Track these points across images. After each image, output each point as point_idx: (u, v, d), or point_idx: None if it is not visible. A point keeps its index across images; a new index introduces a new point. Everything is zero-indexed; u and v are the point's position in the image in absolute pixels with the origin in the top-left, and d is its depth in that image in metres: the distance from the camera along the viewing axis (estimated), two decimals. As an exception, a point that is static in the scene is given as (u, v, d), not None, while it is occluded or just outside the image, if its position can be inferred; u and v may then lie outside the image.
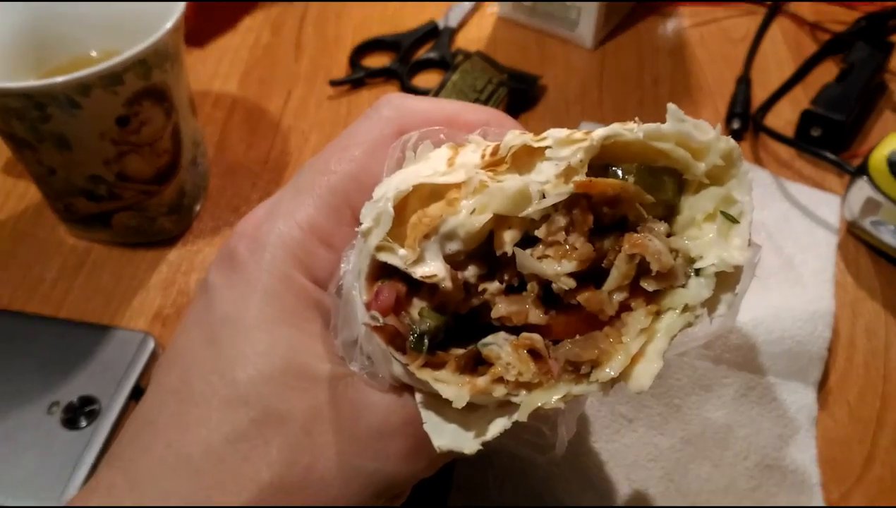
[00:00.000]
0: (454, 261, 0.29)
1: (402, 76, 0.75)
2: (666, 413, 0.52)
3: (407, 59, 0.78)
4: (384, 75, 0.76)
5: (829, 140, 0.67)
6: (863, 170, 0.59)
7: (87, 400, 0.51)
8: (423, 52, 0.78)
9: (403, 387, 0.32)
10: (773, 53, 0.80)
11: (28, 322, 0.56)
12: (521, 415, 0.28)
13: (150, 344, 0.54)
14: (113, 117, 0.51)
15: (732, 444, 0.51)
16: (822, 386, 0.54)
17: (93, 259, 0.62)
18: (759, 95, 0.74)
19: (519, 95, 0.73)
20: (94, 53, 0.60)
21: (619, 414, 0.52)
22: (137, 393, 0.52)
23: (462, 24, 0.83)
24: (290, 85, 0.76)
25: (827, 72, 0.77)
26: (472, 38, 0.81)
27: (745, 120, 0.71)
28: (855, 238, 0.62)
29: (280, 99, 0.75)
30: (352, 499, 0.32)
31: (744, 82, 0.74)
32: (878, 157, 0.59)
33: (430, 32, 0.80)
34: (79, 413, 0.51)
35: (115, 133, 0.52)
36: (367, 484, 0.33)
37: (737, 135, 0.70)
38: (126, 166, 0.55)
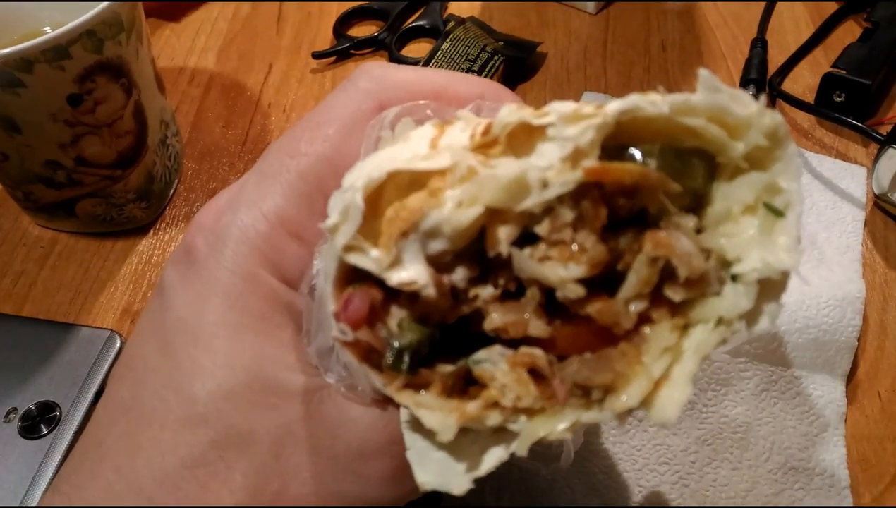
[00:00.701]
0: (439, 263, 0.24)
1: (390, 46, 0.70)
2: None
3: (395, 27, 0.72)
4: (371, 46, 0.71)
5: (854, 106, 0.62)
6: (893, 139, 0.55)
7: (47, 406, 0.47)
8: (413, 20, 0.73)
9: (387, 400, 0.28)
10: (789, 13, 0.74)
11: (-15, 321, 0.52)
12: (520, 449, 0.23)
13: (117, 343, 0.50)
14: (63, 96, 0.46)
15: (753, 444, 0.47)
16: (851, 377, 0.49)
17: (58, 250, 0.57)
18: (776, 59, 0.68)
19: (516, 64, 0.67)
20: (48, 28, 0.55)
21: (653, 423, 0.47)
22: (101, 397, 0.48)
23: (454, -11, 0.77)
24: (271, 58, 0.71)
25: (849, 32, 0.71)
26: (465, 3, 0.76)
27: (760, 86, 0.66)
28: (884, 213, 0.58)
29: (260, 73, 0.70)
30: None
31: (759, 45, 0.69)
32: (910, 125, 0.54)
33: (420, -2, 0.75)
34: (38, 420, 0.47)
35: (67, 113, 0.47)
36: None
37: (752, 103, 0.65)
38: (84, 149, 0.50)
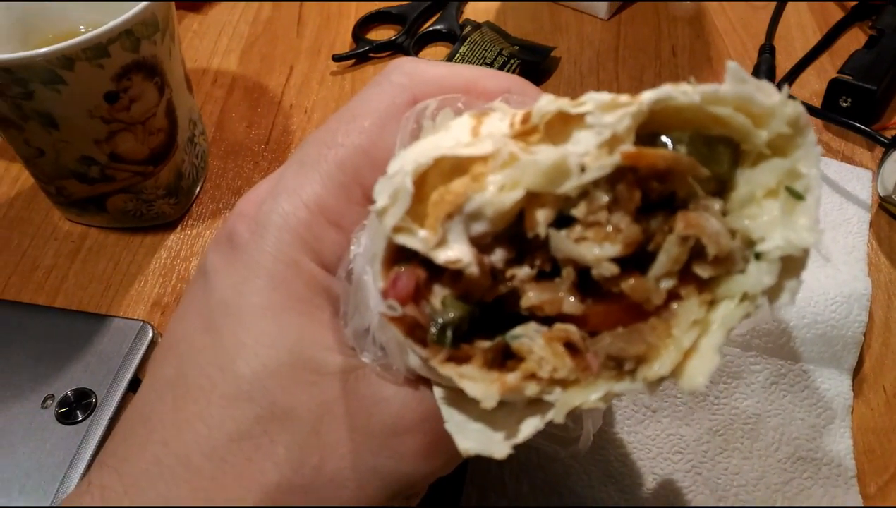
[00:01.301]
0: (480, 244, 0.26)
1: (408, 50, 0.72)
2: (692, 402, 0.49)
3: (413, 31, 0.74)
4: (390, 49, 0.73)
5: (860, 110, 0.64)
6: (898, 143, 0.56)
7: (82, 393, 0.48)
8: (430, 24, 0.75)
9: (419, 380, 0.29)
10: (796, 20, 0.76)
11: (22, 312, 0.53)
12: (557, 416, 0.25)
13: (149, 334, 0.51)
14: (101, 93, 0.48)
15: (763, 435, 0.48)
16: (857, 372, 0.51)
17: (88, 245, 0.59)
18: (784, 65, 0.70)
19: (531, 68, 0.69)
20: (82, 28, 0.57)
21: (643, 404, 0.49)
22: (135, 385, 0.49)
23: (470, -6, 0.79)
24: (292, 60, 0.73)
25: (855, 39, 0.73)
26: (481, 7, 0.78)
27: (768, 92, 0.67)
28: (888, 214, 0.59)
29: (282, 75, 0.71)
30: (365, 500, 0.30)
31: (767, 51, 0.71)
32: (915, 129, 0.55)
33: (437, 3, 0.76)
34: (74, 406, 0.48)
35: (104, 110, 0.49)
36: (382, 485, 0.30)
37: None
38: (118, 146, 0.52)
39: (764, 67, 0.69)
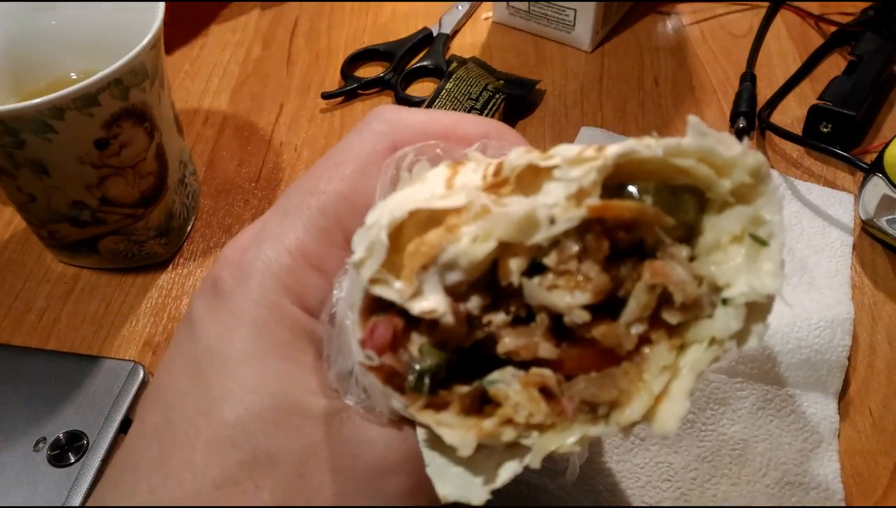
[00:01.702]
0: (456, 292, 0.27)
1: (395, 86, 0.73)
2: (680, 430, 0.49)
3: (401, 68, 0.75)
4: (378, 86, 0.74)
5: (840, 136, 0.65)
6: (877, 167, 0.57)
7: (74, 436, 0.49)
8: (417, 61, 0.76)
9: (403, 421, 0.30)
10: (777, 48, 0.77)
11: (14, 355, 0.54)
12: (533, 461, 0.26)
13: (140, 374, 0.52)
14: (91, 140, 0.49)
15: (750, 460, 0.49)
16: (843, 395, 0.52)
17: (81, 286, 0.60)
18: (765, 92, 0.72)
19: (516, 101, 0.70)
20: (73, 75, 0.58)
21: (655, 435, 0.49)
22: (126, 426, 0.50)
23: (456, 31, 0.80)
24: (282, 99, 0.74)
25: (835, 65, 0.74)
26: (467, 43, 0.79)
27: (750, 118, 0.68)
28: (871, 237, 0.60)
29: (272, 113, 0.73)
30: None
31: (748, 79, 0.72)
32: (894, 153, 0.56)
33: (424, 40, 0.78)
34: (66, 449, 0.48)
35: (94, 156, 0.50)
36: None
37: (742, 135, 0.68)
38: (109, 190, 0.53)
39: (745, 95, 0.70)
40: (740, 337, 0.25)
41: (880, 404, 0.51)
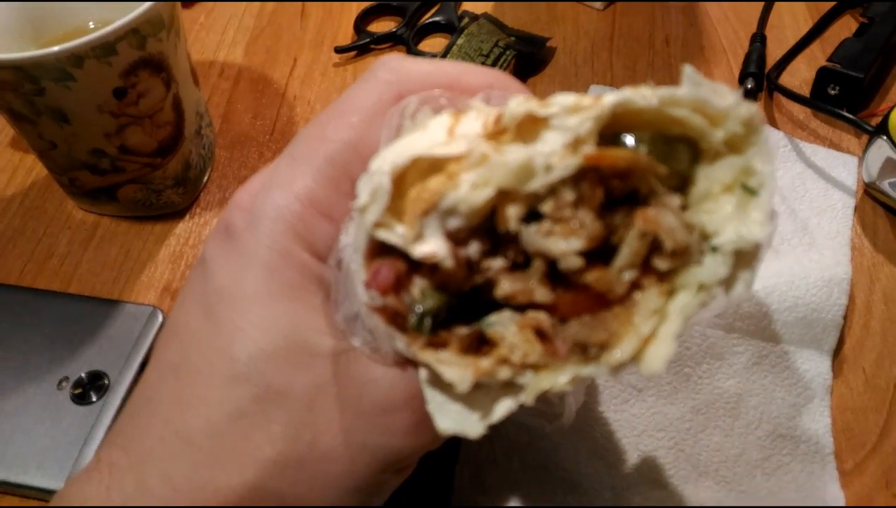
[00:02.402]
0: (456, 238, 0.28)
1: (407, 41, 0.74)
2: (676, 382, 0.51)
3: (413, 23, 0.76)
4: (390, 41, 0.75)
5: (848, 98, 0.65)
6: (882, 130, 0.58)
7: (96, 375, 0.51)
8: (429, 16, 0.76)
9: (407, 361, 0.31)
10: (788, 9, 0.77)
11: (37, 297, 0.56)
12: (527, 398, 0.27)
13: (159, 318, 0.54)
14: (109, 89, 0.50)
15: (744, 413, 0.50)
16: (837, 353, 0.53)
17: (101, 233, 0.61)
18: (775, 53, 0.71)
19: (527, 58, 0.71)
20: (91, 24, 0.59)
21: (628, 384, 0.51)
22: (146, 367, 0.52)
23: (469, -14, 0.80)
24: (296, 52, 0.75)
25: (846, 27, 0.74)
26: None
27: (759, 79, 0.69)
28: (873, 200, 0.61)
29: (286, 67, 0.73)
30: (358, 474, 0.32)
31: (758, 40, 0.72)
32: (899, 117, 0.57)
33: (436, -5, 0.78)
34: (88, 388, 0.51)
35: (113, 105, 0.51)
36: (373, 459, 0.32)
37: (751, 95, 0.68)
38: (127, 139, 0.54)
39: (755, 56, 0.70)
40: (728, 283, 0.26)
41: (874, 363, 0.53)
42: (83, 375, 0.51)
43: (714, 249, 0.26)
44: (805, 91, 0.68)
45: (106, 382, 0.51)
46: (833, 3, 0.75)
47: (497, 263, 0.28)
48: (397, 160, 0.27)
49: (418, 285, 0.28)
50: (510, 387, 0.29)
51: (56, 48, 0.47)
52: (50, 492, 0.47)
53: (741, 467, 0.49)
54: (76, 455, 0.48)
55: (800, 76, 0.70)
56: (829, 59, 0.66)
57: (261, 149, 0.67)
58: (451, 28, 0.74)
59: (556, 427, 0.43)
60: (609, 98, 0.26)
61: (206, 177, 0.64)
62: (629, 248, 0.27)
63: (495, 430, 0.48)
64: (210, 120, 0.64)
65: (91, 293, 0.57)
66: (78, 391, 0.51)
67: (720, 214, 0.27)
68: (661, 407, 0.51)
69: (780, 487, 0.48)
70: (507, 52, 0.69)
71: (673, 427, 0.50)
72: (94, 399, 0.50)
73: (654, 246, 0.27)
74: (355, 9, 0.78)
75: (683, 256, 0.26)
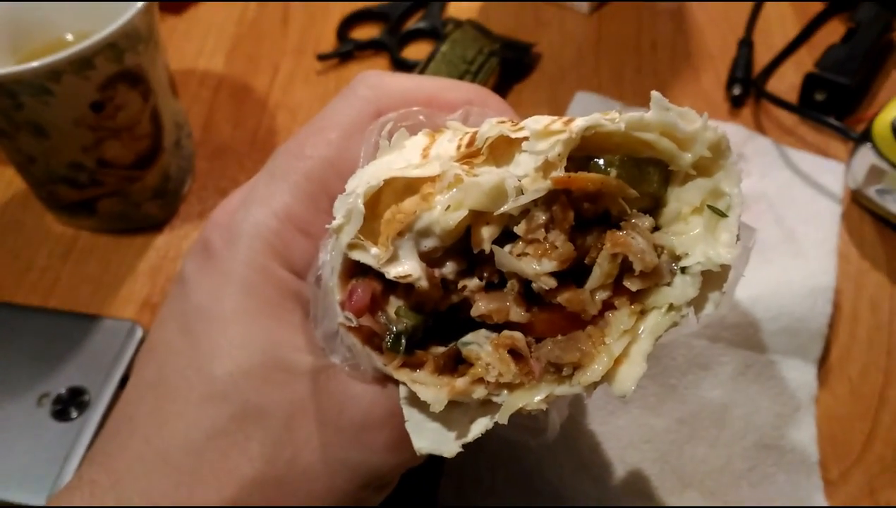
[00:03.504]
0: (431, 258, 0.28)
1: (391, 48, 0.73)
2: (661, 393, 0.51)
3: (396, 29, 0.75)
4: (373, 47, 0.74)
5: (835, 104, 0.65)
6: (867, 137, 0.57)
7: (76, 391, 0.51)
8: (413, 22, 0.76)
9: (387, 379, 0.31)
10: (776, 14, 0.77)
11: (16, 313, 0.55)
12: (501, 417, 0.27)
13: (139, 333, 0.53)
14: (87, 103, 0.50)
15: (729, 424, 0.50)
16: (824, 362, 0.53)
17: (80, 246, 0.61)
18: (762, 58, 0.71)
19: (512, 65, 0.70)
20: (69, 37, 0.59)
21: (614, 396, 0.51)
22: (126, 383, 0.51)
23: (454, -9, 0.80)
24: (277, 60, 0.74)
25: (833, 32, 0.74)
26: (464, 6, 0.79)
27: (746, 85, 0.69)
28: (859, 207, 0.61)
29: (267, 75, 0.73)
30: (338, 491, 0.32)
31: (745, 45, 0.72)
32: (883, 123, 0.57)
33: (420, 1, 0.78)
34: (68, 404, 0.50)
35: (90, 119, 0.51)
36: (352, 476, 0.32)
37: (738, 101, 0.68)
38: (105, 152, 0.54)
39: (742, 62, 0.70)
40: (697, 303, 0.26)
41: (859, 371, 0.53)
42: (63, 391, 0.51)
43: (683, 270, 0.26)
44: (793, 96, 0.67)
45: (86, 398, 0.50)
46: (821, 9, 0.75)
47: (473, 283, 0.28)
48: (371, 181, 0.27)
49: (394, 305, 0.28)
50: (487, 406, 0.29)
51: (34, 63, 0.46)
52: (30, 509, 0.46)
53: (726, 478, 0.49)
54: (57, 471, 0.47)
55: (788, 81, 0.70)
56: (815, 65, 0.66)
57: (241, 160, 0.66)
58: (435, 34, 0.74)
59: (540, 442, 0.42)
60: (578, 123, 0.26)
61: (185, 189, 0.63)
62: (601, 269, 0.26)
63: (479, 445, 0.48)
64: (190, 130, 0.64)
65: (70, 307, 0.57)
66: (58, 407, 0.50)
67: (689, 236, 0.27)
68: (646, 419, 0.50)
69: (765, 497, 0.48)
70: (492, 59, 0.68)
71: (658, 438, 0.50)
72: (74, 415, 0.50)
73: (625, 266, 0.27)
74: (338, 15, 0.78)
75: (654, 277, 0.26)
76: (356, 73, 0.70)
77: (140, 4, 0.49)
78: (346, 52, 0.73)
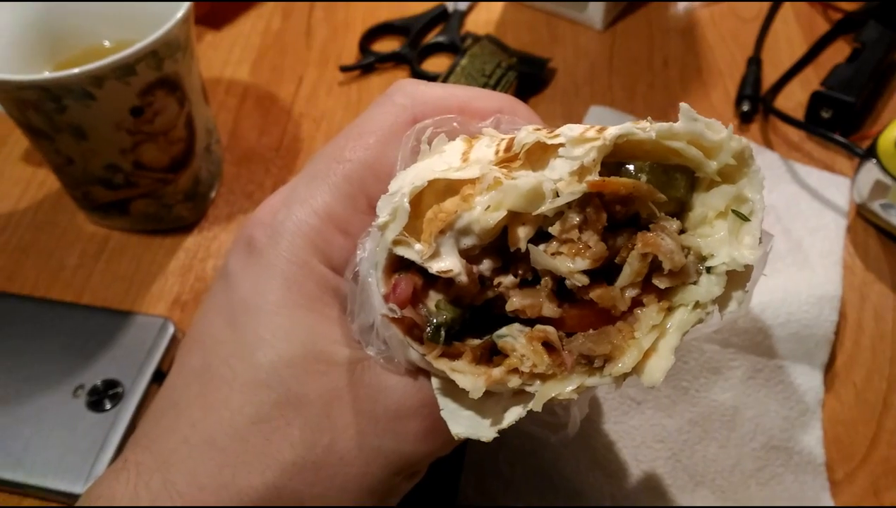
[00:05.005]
0: (469, 255, 0.30)
1: (411, 61, 0.76)
2: (674, 395, 0.53)
3: (416, 43, 0.78)
4: (394, 60, 0.77)
5: (840, 121, 0.67)
6: (871, 153, 0.60)
7: (110, 384, 0.53)
8: (433, 36, 0.79)
9: (419, 371, 0.33)
10: (784, 33, 0.79)
11: (52, 308, 0.57)
12: (535, 405, 0.29)
13: (170, 329, 0.55)
14: (127, 107, 0.52)
15: (739, 426, 0.52)
16: (829, 368, 0.55)
17: (112, 246, 0.63)
18: (771, 76, 0.74)
19: (528, 79, 0.73)
20: (106, 43, 0.61)
21: (628, 397, 0.53)
22: (159, 377, 0.53)
23: (471, 8, 0.83)
24: (301, 71, 0.77)
25: (839, 52, 0.76)
26: (482, 21, 0.81)
27: (754, 102, 0.71)
28: (864, 220, 0.63)
29: (291, 85, 0.75)
30: (372, 476, 0.34)
31: (754, 63, 0.74)
32: (887, 139, 0.59)
33: (440, 16, 0.80)
34: (103, 395, 0.52)
35: (129, 123, 0.53)
36: (386, 463, 0.34)
37: (746, 117, 0.70)
38: (142, 155, 0.56)
39: (751, 79, 0.72)
40: (721, 301, 0.28)
41: (864, 378, 0.55)
42: (98, 383, 0.52)
43: (709, 270, 0.28)
44: (800, 113, 0.70)
45: (120, 390, 0.52)
46: (827, 29, 0.78)
47: (508, 280, 0.30)
48: (416, 182, 0.29)
49: (433, 299, 0.30)
50: (519, 396, 0.31)
51: (80, 69, 0.49)
52: (67, 495, 0.48)
53: (736, 477, 0.50)
54: (92, 459, 0.49)
55: (795, 99, 0.72)
56: (822, 84, 0.69)
57: (267, 165, 0.69)
58: (454, 48, 0.76)
59: (560, 438, 0.44)
60: (611, 131, 0.28)
61: (213, 193, 0.65)
62: (631, 268, 0.28)
63: (500, 440, 0.50)
64: (219, 136, 0.66)
65: (103, 304, 0.59)
66: (93, 398, 0.52)
67: (714, 238, 0.29)
68: (659, 420, 0.52)
69: (773, 496, 0.49)
70: (510, 73, 0.71)
71: (671, 438, 0.52)
72: (108, 406, 0.52)
73: (654, 266, 0.29)
74: (360, 28, 0.80)
75: (681, 276, 0.28)
76: (377, 85, 0.74)
77: (180, 14, 0.52)
78: (367, 64, 0.76)
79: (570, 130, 0.28)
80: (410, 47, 0.77)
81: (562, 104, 0.73)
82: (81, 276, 0.61)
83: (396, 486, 0.36)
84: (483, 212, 0.28)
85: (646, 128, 0.27)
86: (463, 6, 0.81)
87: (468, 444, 0.50)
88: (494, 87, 0.69)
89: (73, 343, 0.55)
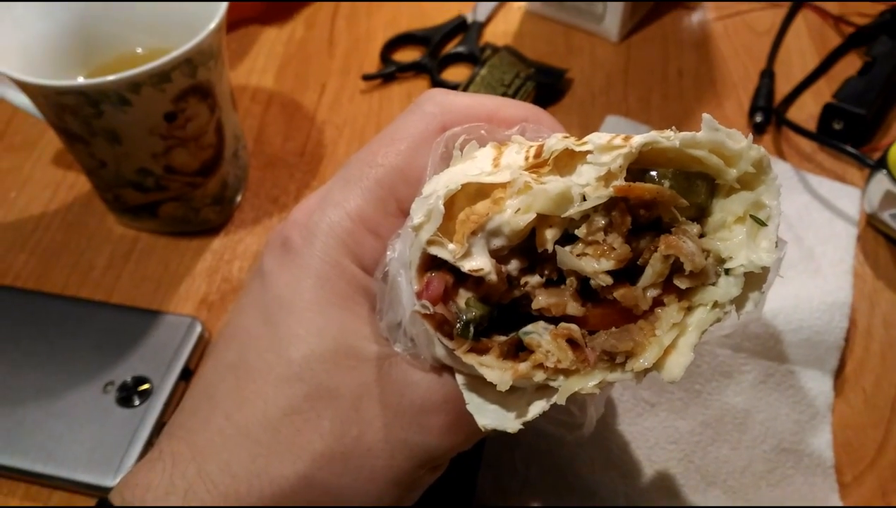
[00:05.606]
0: (498, 255, 0.31)
1: (431, 70, 0.78)
2: (687, 398, 0.54)
3: (436, 53, 0.80)
4: (414, 69, 0.79)
5: (851, 133, 0.69)
6: (882, 164, 0.61)
7: (140, 380, 0.54)
8: (452, 47, 0.80)
9: (443, 368, 0.35)
10: (796, 46, 0.81)
11: (82, 307, 0.59)
12: (559, 398, 0.31)
13: (197, 328, 0.57)
14: (161, 113, 0.54)
15: (750, 428, 0.53)
16: (839, 373, 0.56)
17: (140, 247, 0.65)
18: (783, 88, 0.75)
19: (546, 89, 0.74)
20: (139, 50, 0.63)
21: (642, 399, 0.54)
22: (186, 374, 0.55)
23: (490, 19, 0.84)
24: (324, 79, 0.79)
25: (850, 65, 0.78)
26: (500, 32, 0.83)
27: (767, 113, 0.72)
28: (875, 230, 0.64)
29: (314, 93, 0.77)
30: (397, 468, 0.35)
31: (767, 75, 0.76)
32: (898, 152, 0.60)
33: (459, 27, 0.82)
34: (132, 392, 0.54)
35: (163, 128, 0.55)
36: (410, 455, 0.35)
37: (759, 129, 0.72)
38: (173, 159, 0.58)
39: (764, 91, 0.74)
40: (739, 302, 0.30)
41: (873, 383, 0.56)
42: (128, 380, 0.54)
43: (727, 272, 0.30)
44: (812, 125, 0.71)
45: (149, 387, 0.54)
46: (839, 43, 0.79)
47: (534, 279, 0.32)
48: (450, 185, 0.30)
49: (464, 297, 0.32)
50: (542, 390, 0.32)
51: (117, 76, 0.50)
52: (98, 488, 0.50)
53: (747, 478, 0.52)
54: (122, 453, 0.51)
55: (807, 111, 0.74)
56: (833, 96, 0.70)
57: (291, 171, 0.70)
58: (473, 58, 0.78)
59: (576, 437, 0.46)
60: (637, 139, 0.29)
61: (240, 197, 0.67)
62: (653, 269, 0.30)
63: (516, 439, 0.51)
64: (245, 142, 0.68)
65: (132, 304, 0.61)
66: (123, 395, 0.54)
67: (733, 242, 0.30)
68: (672, 421, 0.54)
69: (783, 497, 0.51)
70: (528, 83, 0.72)
71: (684, 440, 0.53)
72: (137, 402, 0.53)
73: (675, 267, 0.30)
74: (381, 38, 0.82)
75: (701, 277, 0.30)
76: (398, 93, 0.76)
77: (215, 23, 0.54)
78: (388, 73, 0.78)
79: (598, 138, 0.30)
80: (431, 57, 0.79)
81: (578, 114, 0.75)
82: (111, 277, 0.63)
83: (420, 478, 0.37)
84: (513, 214, 0.30)
85: (670, 137, 0.29)
86: (482, 17, 0.83)
87: (486, 444, 0.51)
88: (513, 97, 0.71)
89: (103, 341, 0.57)
